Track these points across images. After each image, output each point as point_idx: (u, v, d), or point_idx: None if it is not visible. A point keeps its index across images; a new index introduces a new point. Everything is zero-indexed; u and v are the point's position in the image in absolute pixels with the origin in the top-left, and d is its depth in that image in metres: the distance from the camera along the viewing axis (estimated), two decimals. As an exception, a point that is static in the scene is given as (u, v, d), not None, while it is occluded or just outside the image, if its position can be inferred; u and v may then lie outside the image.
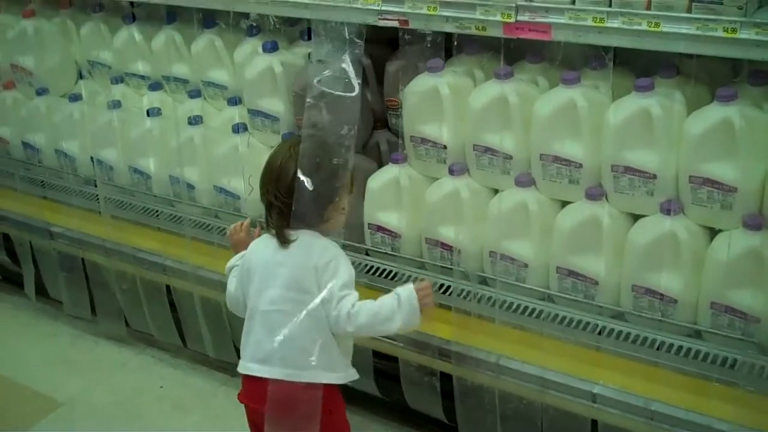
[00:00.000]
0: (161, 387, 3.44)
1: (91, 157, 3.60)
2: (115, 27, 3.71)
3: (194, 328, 3.38)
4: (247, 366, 2.38)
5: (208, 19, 3.44)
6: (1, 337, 3.81)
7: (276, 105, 3.16)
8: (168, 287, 3.37)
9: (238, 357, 3.28)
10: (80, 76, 3.86)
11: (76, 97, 3.67)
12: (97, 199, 3.51)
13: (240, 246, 2.51)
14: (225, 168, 3.27)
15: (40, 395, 3.24)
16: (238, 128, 3.24)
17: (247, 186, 3.15)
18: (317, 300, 2.28)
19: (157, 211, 3.42)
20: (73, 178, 3.62)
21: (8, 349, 3.71)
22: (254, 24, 3.37)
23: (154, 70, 3.63)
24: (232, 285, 2.45)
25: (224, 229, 3.23)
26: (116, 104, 3.57)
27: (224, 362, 3.39)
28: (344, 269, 2.31)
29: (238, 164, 3.21)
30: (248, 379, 2.39)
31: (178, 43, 3.55)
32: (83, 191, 3.58)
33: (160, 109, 3.50)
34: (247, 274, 2.38)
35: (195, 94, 3.49)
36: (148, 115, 3.44)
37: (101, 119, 3.59)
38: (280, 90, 3.13)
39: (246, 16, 3.41)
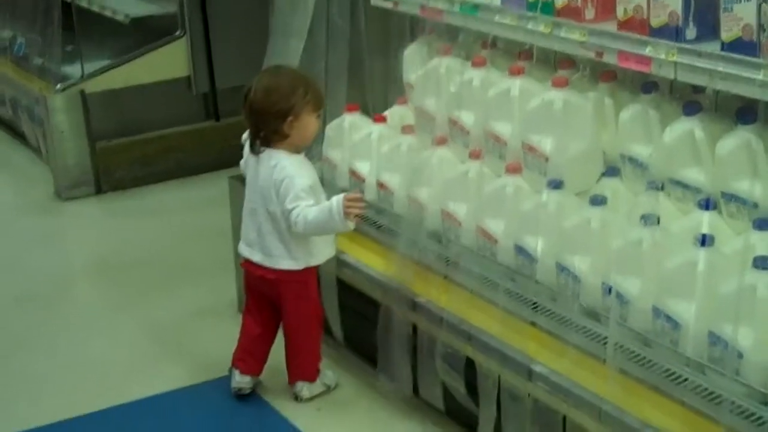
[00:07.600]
0: None
1: (602, 283, 2.68)
2: (668, 116, 2.80)
3: None
4: (242, 247, 3.33)
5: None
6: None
7: None
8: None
9: None
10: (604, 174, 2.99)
11: (598, 200, 2.78)
12: (604, 341, 2.58)
13: None
14: None
15: None
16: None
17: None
18: (276, 210, 3.16)
19: (679, 376, 2.41)
20: (573, 306, 2.73)
21: None
22: None
23: (710, 182, 2.65)
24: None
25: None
26: (650, 219, 2.62)
27: None
28: (297, 183, 3.10)
29: None
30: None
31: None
32: (585, 327, 2.67)
33: (712, 238, 2.49)
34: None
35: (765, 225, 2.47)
36: (700, 243, 2.45)
37: (627, 236, 2.66)
38: None
39: None
